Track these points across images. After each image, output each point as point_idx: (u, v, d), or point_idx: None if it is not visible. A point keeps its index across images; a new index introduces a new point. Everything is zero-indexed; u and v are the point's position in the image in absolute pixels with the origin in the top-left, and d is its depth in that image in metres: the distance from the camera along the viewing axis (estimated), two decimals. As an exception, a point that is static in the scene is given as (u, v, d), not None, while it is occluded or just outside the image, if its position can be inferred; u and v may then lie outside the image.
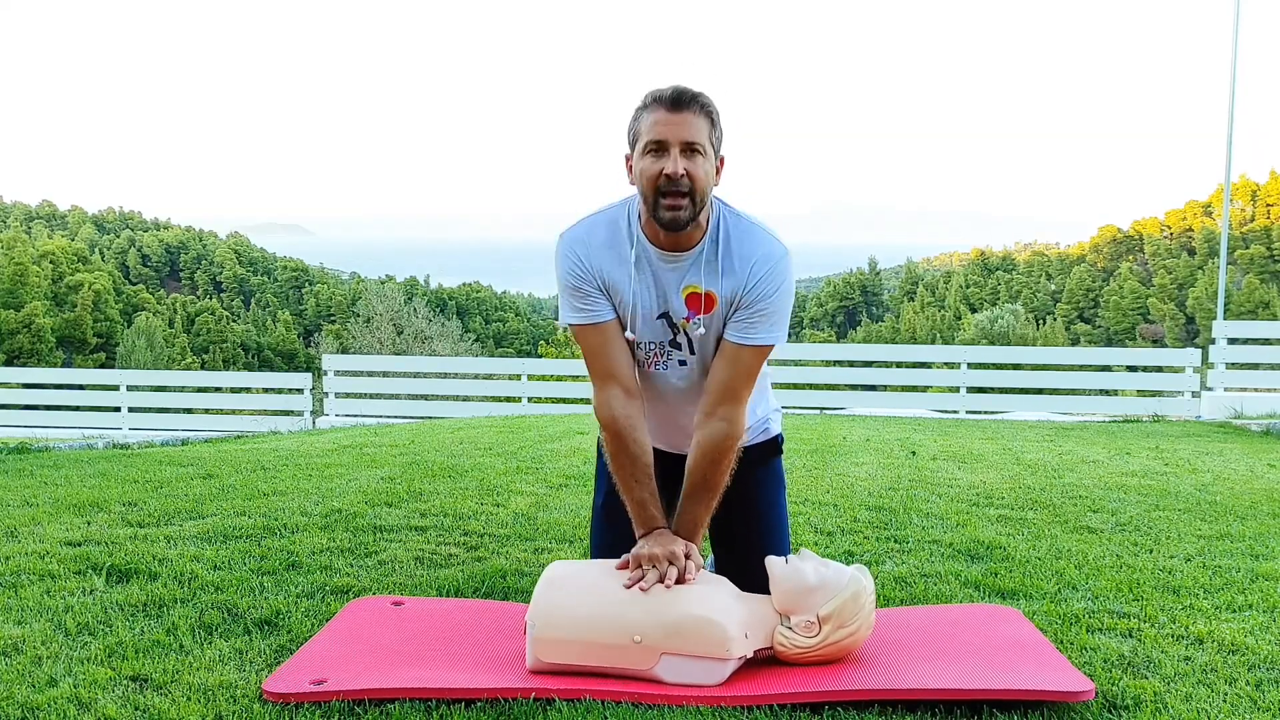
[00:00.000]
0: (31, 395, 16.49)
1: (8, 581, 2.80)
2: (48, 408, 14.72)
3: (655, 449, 2.40)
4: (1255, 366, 11.72)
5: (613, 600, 2.15)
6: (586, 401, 11.04)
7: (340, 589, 2.81)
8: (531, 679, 2.12)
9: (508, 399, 13.46)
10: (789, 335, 2.47)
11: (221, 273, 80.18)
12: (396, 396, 14.85)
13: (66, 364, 46.98)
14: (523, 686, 2.06)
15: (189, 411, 15.21)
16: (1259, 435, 7.32)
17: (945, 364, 18.55)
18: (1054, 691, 2.02)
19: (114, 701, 2.01)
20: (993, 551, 3.32)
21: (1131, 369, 25.62)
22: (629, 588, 2.17)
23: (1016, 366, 12.97)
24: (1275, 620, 2.61)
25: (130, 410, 13.43)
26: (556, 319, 2.67)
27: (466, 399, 13.04)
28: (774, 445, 2.63)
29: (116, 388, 13.82)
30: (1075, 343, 57.16)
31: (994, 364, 12.73)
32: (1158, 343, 56.05)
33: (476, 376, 15.12)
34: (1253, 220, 60.25)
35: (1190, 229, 64.49)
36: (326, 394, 12.64)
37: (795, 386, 13.61)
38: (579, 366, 11.15)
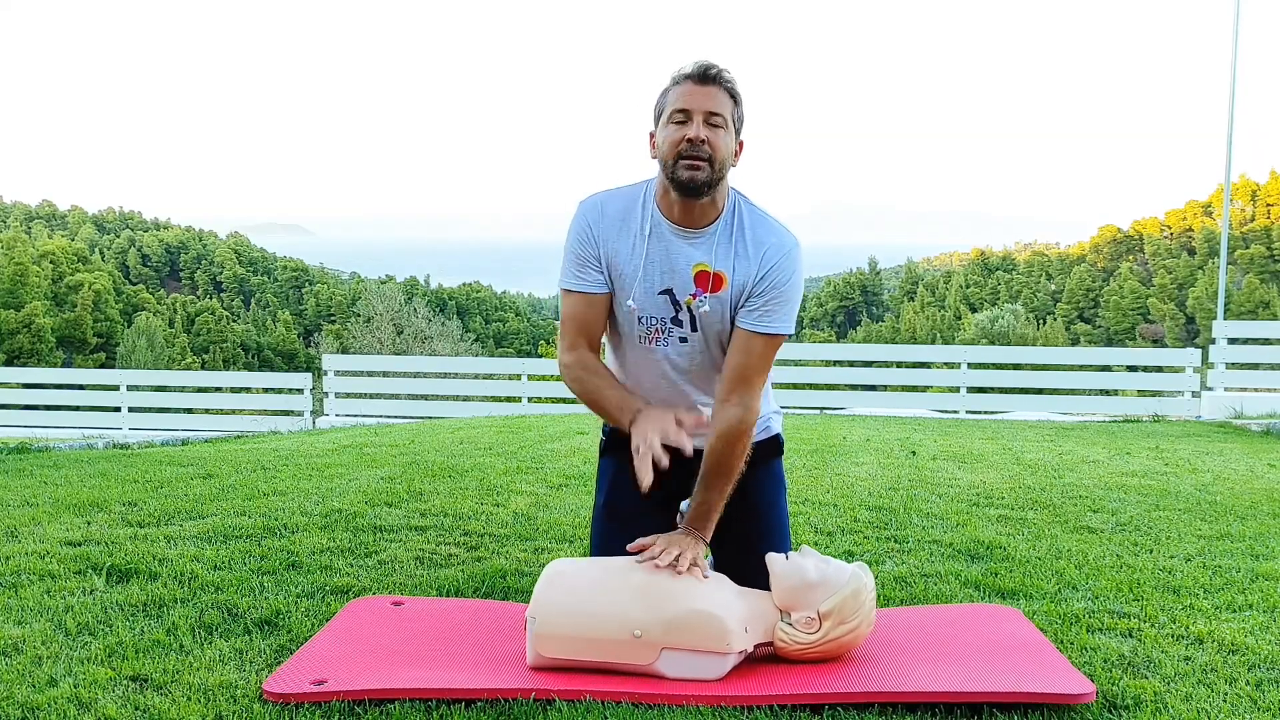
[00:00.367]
0: (31, 395, 16.50)
1: (8, 581, 2.79)
2: (48, 408, 14.73)
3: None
4: (1255, 366, 11.72)
5: (613, 595, 2.16)
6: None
7: (340, 589, 2.81)
8: (531, 678, 2.12)
9: (508, 399, 13.46)
10: (790, 335, 2.48)
11: (221, 273, 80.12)
12: (396, 396, 14.85)
13: (66, 364, 46.94)
14: (523, 686, 2.07)
15: (189, 411, 15.22)
16: (1259, 435, 7.32)
17: (945, 364, 18.56)
18: (1055, 694, 2.02)
19: (114, 701, 2.01)
20: (993, 551, 3.33)
21: (1132, 369, 25.61)
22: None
23: (1016, 366, 12.96)
24: (1275, 620, 2.61)
25: (130, 410, 13.44)
26: (557, 319, 2.68)
27: (466, 399, 13.05)
28: (775, 445, 2.63)
29: (116, 388, 13.83)
30: (1075, 343, 57.11)
31: (994, 364, 12.73)
32: (1158, 343, 56.02)
33: (476, 376, 15.13)
34: (1253, 220, 60.20)
35: (1190, 229, 64.44)
36: (326, 394, 12.64)
37: (795, 386, 13.61)
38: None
